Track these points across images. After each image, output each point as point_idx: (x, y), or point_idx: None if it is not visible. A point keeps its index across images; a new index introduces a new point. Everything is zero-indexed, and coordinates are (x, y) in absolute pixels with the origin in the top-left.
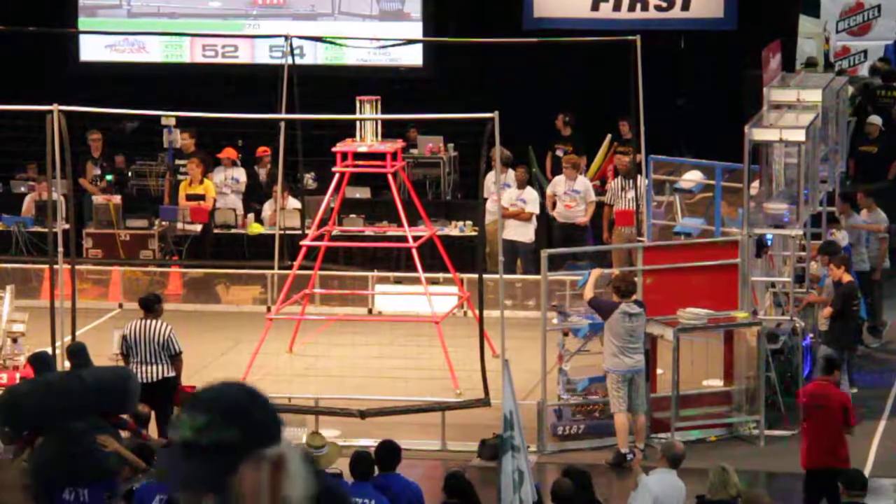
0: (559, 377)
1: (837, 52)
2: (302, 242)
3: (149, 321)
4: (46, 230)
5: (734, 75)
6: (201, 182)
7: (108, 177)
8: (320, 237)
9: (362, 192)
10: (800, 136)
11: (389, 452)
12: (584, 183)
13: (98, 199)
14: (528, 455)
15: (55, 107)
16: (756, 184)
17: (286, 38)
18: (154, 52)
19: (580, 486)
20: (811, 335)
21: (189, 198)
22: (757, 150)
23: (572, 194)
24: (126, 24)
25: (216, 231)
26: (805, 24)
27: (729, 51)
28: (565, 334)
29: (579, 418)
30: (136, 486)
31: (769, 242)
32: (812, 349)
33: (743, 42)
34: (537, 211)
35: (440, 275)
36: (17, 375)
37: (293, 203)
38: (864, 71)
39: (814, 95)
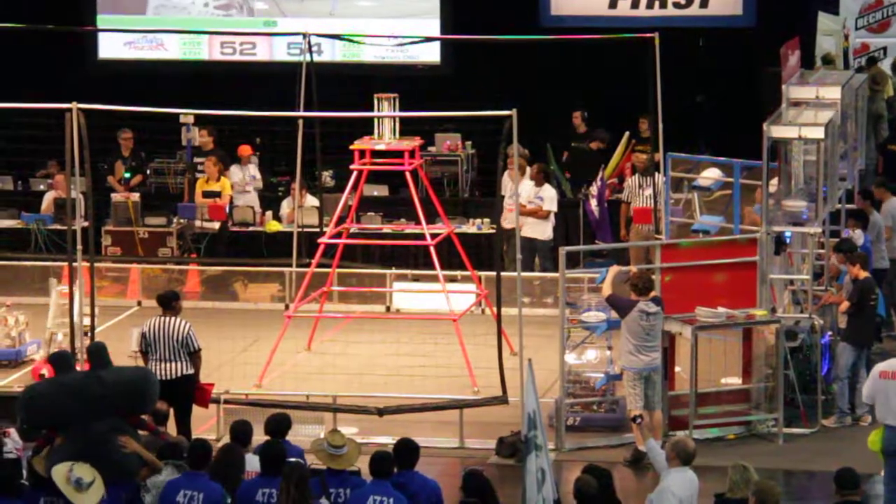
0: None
1: (856, 49)
2: (320, 240)
3: (167, 318)
4: (66, 228)
5: (753, 72)
6: (218, 179)
7: (127, 175)
8: (338, 235)
9: (380, 190)
10: (819, 133)
11: (407, 450)
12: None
13: (117, 196)
14: (548, 453)
15: (74, 105)
16: (775, 181)
17: (304, 35)
18: (172, 49)
19: (602, 485)
20: (830, 333)
21: (205, 195)
22: (776, 147)
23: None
24: (145, 22)
25: (234, 229)
26: (824, 20)
27: (748, 48)
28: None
29: (577, 409)
30: None
31: (788, 240)
32: (831, 347)
33: (762, 39)
34: (555, 209)
35: (458, 272)
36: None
37: (311, 201)
38: (883, 67)
39: (833, 93)
